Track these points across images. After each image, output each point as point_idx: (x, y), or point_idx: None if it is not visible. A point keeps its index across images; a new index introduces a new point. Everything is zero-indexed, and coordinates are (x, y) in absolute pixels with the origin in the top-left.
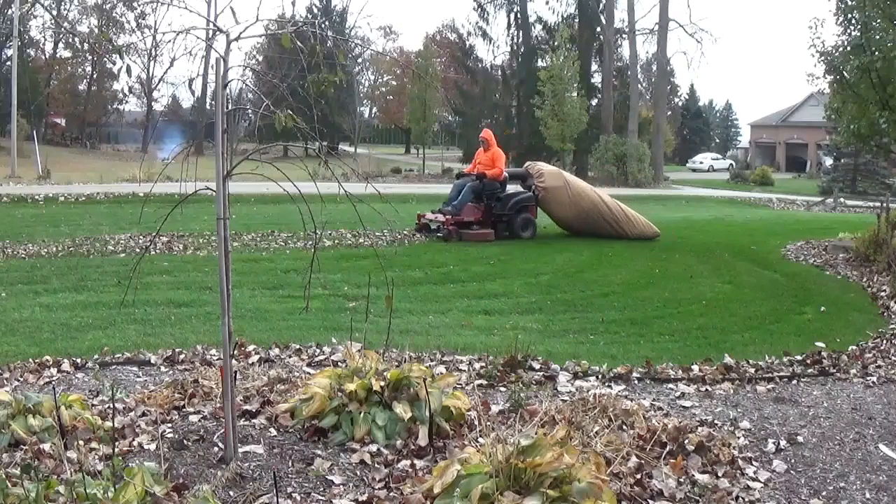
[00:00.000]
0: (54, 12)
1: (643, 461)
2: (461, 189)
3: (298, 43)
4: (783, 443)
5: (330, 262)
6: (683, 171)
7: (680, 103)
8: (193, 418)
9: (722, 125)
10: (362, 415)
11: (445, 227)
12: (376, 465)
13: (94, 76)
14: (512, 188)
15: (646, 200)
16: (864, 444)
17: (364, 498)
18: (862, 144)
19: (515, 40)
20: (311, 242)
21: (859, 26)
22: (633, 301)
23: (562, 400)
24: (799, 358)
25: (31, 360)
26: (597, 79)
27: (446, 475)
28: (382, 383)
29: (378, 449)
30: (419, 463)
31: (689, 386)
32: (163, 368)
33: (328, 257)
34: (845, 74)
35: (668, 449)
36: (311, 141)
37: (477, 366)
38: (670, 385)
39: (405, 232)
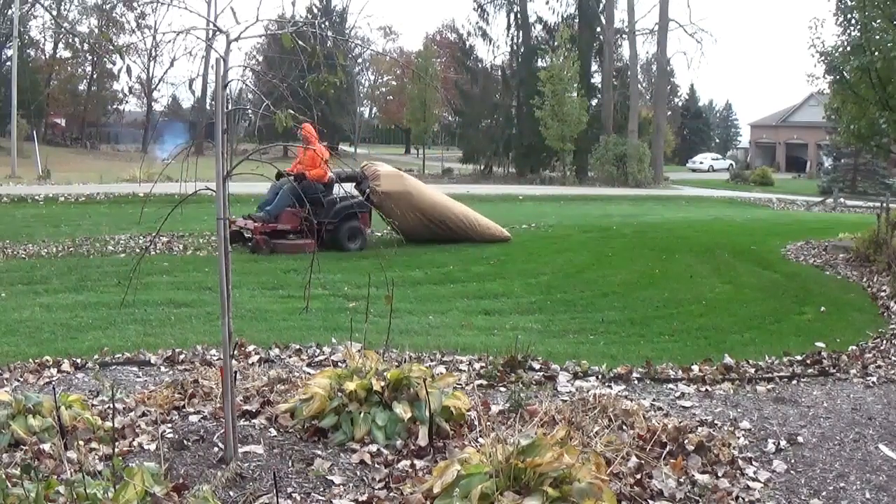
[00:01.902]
0: (54, 12)
1: (643, 461)
2: (278, 192)
3: (298, 43)
4: (783, 443)
5: (330, 262)
6: (683, 172)
7: (680, 103)
8: (193, 418)
9: (722, 125)
10: (362, 415)
11: (254, 237)
12: (376, 466)
13: (94, 76)
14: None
15: (646, 201)
16: (864, 444)
17: (364, 498)
18: (862, 144)
19: (515, 40)
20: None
21: (859, 26)
22: (633, 301)
23: (562, 400)
24: (799, 358)
25: (31, 360)
26: (597, 79)
27: (446, 475)
28: (382, 383)
29: (378, 449)
30: (419, 463)
31: (689, 386)
32: (163, 368)
33: (328, 257)
34: (845, 74)
35: (668, 449)
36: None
37: (477, 366)
38: (670, 385)
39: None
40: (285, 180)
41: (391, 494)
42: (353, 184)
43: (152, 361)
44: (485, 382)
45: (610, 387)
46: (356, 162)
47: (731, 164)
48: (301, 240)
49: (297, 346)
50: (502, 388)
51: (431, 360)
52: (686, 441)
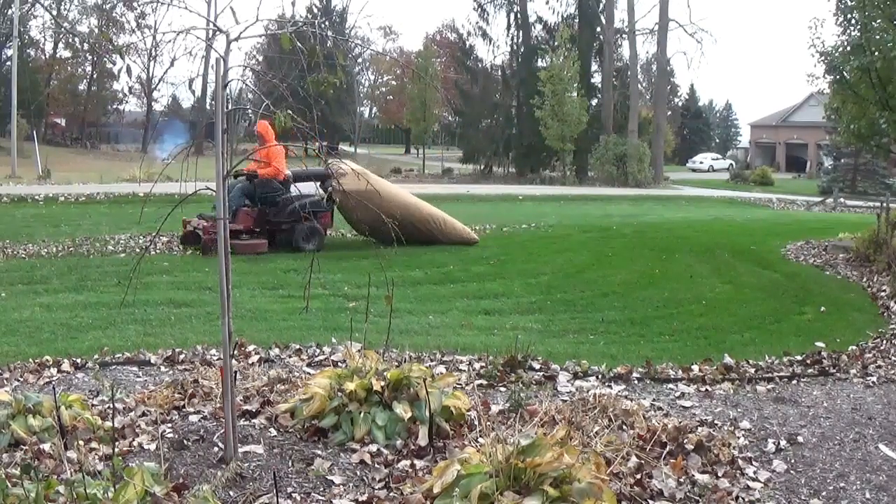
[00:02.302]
0: (54, 12)
1: (643, 461)
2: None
3: (298, 43)
4: (783, 443)
5: (330, 262)
6: (683, 171)
7: (680, 103)
8: (193, 418)
9: (722, 125)
10: (362, 415)
11: (204, 237)
12: (376, 465)
13: (94, 76)
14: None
15: (646, 200)
16: (864, 444)
17: (364, 498)
18: (862, 144)
19: (515, 40)
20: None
21: (859, 26)
22: (633, 301)
23: (562, 400)
24: (799, 358)
25: (31, 360)
26: (597, 79)
27: (446, 475)
28: (382, 383)
29: (378, 449)
30: (419, 463)
31: (689, 386)
32: (163, 368)
33: (328, 257)
34: (845, 74)
35: (668, 449)
36: (311, 141)
37: (477, 366)
38: (670, 385)
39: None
40: (242, 179)
41: (391, 494)
42: (319, 182)
43: (152, 361)
44: (485, 382)
45: (610, 387)
46: (356, 162)
47: (731, 164)
48: (254, 240)
49: (297, 346)
50: (502, 388)
51: (431, 360)
52: (686, 441)
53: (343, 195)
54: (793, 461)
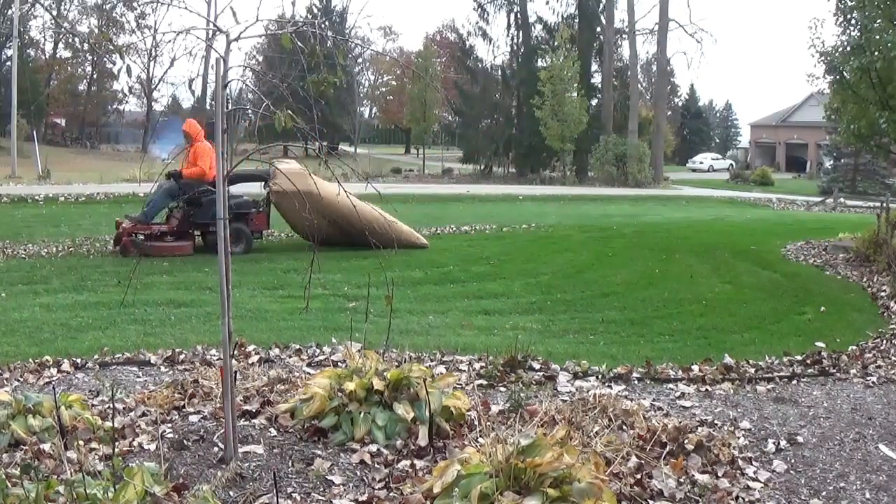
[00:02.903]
0: (54, 12)
1: (643, 461)
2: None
3: (298, 43)
4: (783, 443)
5: (330, 262)
6: (683, 171)
7: (680, 103)
8: (193, 418)
9: (722, 125)
10: (362, 415)
11: (124, 238)
12: (376, 466)
13: (94, 76)
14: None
15: (646, 200)
16: (864, 444)
17: (364, 498)
18: (862, 144)
19: (515, 40)
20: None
21: (859, 26)
22: (633, 301)
23: (562, 400)
24: (799, 358)
25: (31, 360)
26: (597, 79)
27: (446, 475)
28: (382, 383)
29: (378, 449)
30: (419, 463)
31: (689, 386)
32: (163, 368)
33: (328, 257)
34: (845, 74)
35: (668, 449)
36: (311, 141)
37: (477, 366)
38: (670, 385)
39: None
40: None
41: (391, 494)
42: (263, 183)
43: (152, 361)
44: (485, 382)
45: (610, 387)
46: (356, 162)
47: (731, 164)
48: (177, 242)
49: (297, 346)
50: (502, 388)
51: (431, 360)
52: (686, 441)
53: (279, 196)
54: (793, 461)
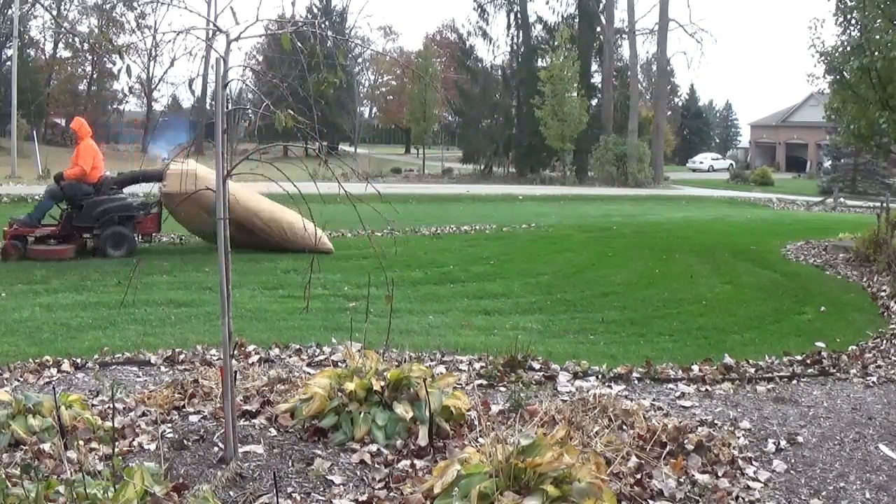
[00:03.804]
0: (54, 12)
1: (643, 461)
2: None
3: (298, 43)
4: (783, 443)
5: (330, 262)
6: (683, 171)
7: (680, 103)
8: (193, 418)
9: (722, 125)
10: (362, 415)
11: (5, 241)
12: (376, 465)
13: (94, 76)
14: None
15: (646, 200)
16: (864, 444)
17: (364, 498)
18: (862, 144)
19: (515, 40)
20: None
21: (859, 26)
22: (633, 301)
23: (562, 400)
24: (799, 358)
25: (31, 360)
26: (597, 79)
27: (446, 475)
28: (382, 383)
29: (378, 449)
30: (419, 463)
31: (689, 386)
32: (163, 368)
33: (328, 257)
34: (845, 74)
35: (668, 449)
36: (311, 141)
37: (477, 366)
38: (670, 385)
39: None
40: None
41: (391, 494)
42: (158, 184)
43: (152, 361)
44: (485, 382)
45: (610, 387)
46: (356, 162)
47: (731, 164)
48: (60, 245)
49: (297, 346)
50: (502, 388)
51: (431, 360)
52: (686, 441)
53: (168, 198)
54: (793, 461)
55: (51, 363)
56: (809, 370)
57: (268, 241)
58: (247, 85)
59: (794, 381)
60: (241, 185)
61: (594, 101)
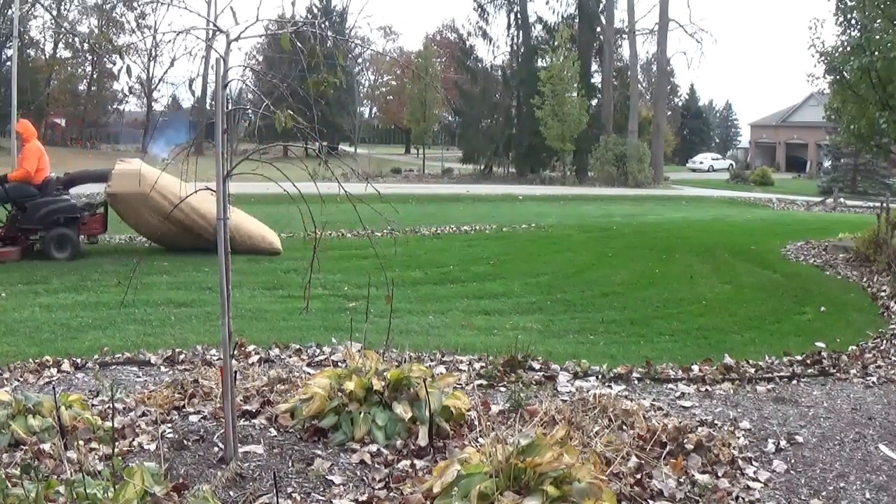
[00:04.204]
0: (54, 12)
1: (643, 461)
2: None
3: (298, 43)
4: (783, 443)
5: (330, 262)
6: (683, 172)
7: (680, 103)
8: (193, 418)
9: (722, 125)
10: (362, 415)
11: None
12: (376, 466)
13: (94, 76)
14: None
15: (646, 201)
16: (864, 444)
17: (364, 498)
18: (862, 144)
19: (515, 40)
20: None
21: (859, 26)
22: (633, 301)
23: (562, 400)
24: (799, 358)
25: (31, 360)
26: (597, 79)
27: (446, 475)
28: (382, 383)
29: (378, 449)
30: (419, 463)
31: (689, 386)
32: (163, 368)
33: (328, 257)
34: (845, 75)
35: (668, 449)
36: (311, 141)
37: (477, 366)
38: (670, 385)
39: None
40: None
41: (391, 494)
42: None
43: (152, 361)
44: (485, 382)
45: (610, 387)
46: (356, 162)
47: (731, 164)
48: (5, 248)
49: (297, 346)
50: (502, 388)
51: (431, 360)
52: (686, 441)
53: (112, 198)
54: (793, 461)
55: (51, 363)
56: (809, 370)
57: (212, 244)
58: (247, 85)
59: (794, 382)
60: (189, 185)
61: (594, 102)
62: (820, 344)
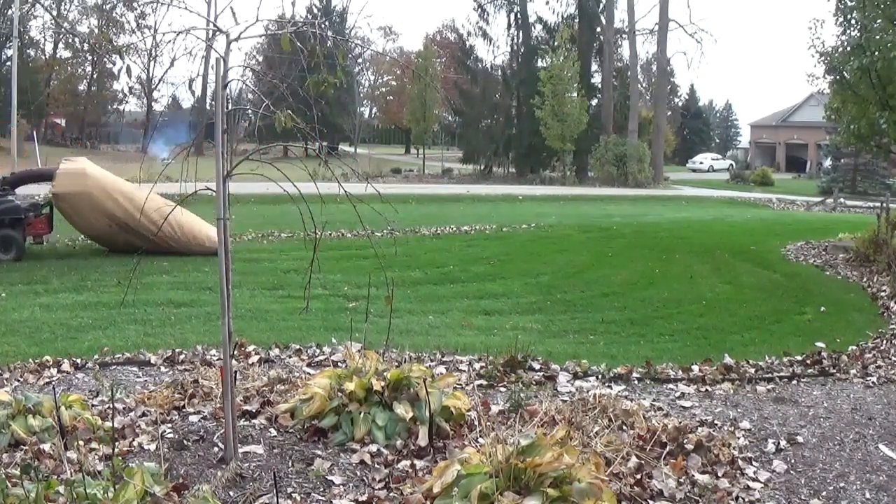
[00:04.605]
0: (54, 12)
1: (643, 461)
2: None
3: (298, 43)
4: (783, 443)
5: (330, 262)
6: (683, 172)
7: (680, 103)
8: (193, 418)
9: (722, 125)
10: (362, 415)
11: None
12: (376, 466)
13: (94, 76)
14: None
15: (646, 201)
16: (864, 444)
17: (364, 498)
18: (862, 144)
19: (515, 40)
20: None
21: (859, 27)
22: (633, 301)
23: (562, 400)
24: (799, 358)
25: (31, 360)
26: (597, 79)
27: (446, 475)
28: (382, 383)
29: (378, 449)
30: (419, 463)
31: (689, 386)
32: (163, 368)
33: (328, 257)
34: (845, 75)
35: (668, 449)
36: (311, 141)
37: (477, 366)
38: (670, 385)
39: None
40: None
41: (391, 494)
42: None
43: (152, 361)
44: (485, 382)
45: (610, 387)
46: (356, 162)
47: (731, 165)
48: None
49: (297, 346)
50: (502, 388)
51: (431, 360)
52: (686, 441)
53: (56, 198)
54: (793, 461)
55: (51, 363)
56: (809, 370)
57: (156, 244)
58: (247, 85)
59: (794, 382)
60: (134, 185)
61: (594, 102)
62: (820, 344)
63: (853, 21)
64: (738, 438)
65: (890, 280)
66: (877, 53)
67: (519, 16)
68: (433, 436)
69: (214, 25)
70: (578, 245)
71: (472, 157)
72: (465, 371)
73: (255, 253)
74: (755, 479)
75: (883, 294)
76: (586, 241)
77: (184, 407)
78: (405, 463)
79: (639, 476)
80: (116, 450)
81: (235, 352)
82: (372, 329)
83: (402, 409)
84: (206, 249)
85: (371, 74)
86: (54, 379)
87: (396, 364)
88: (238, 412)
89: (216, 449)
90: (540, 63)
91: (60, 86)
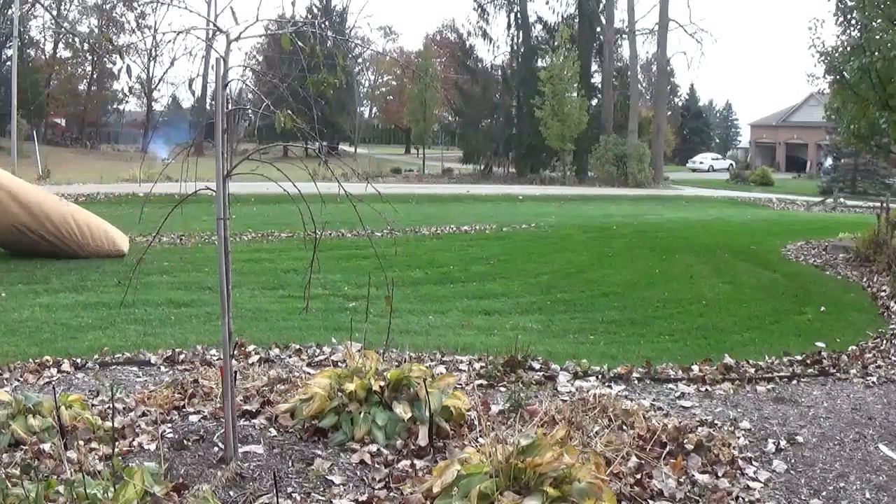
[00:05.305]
0: (54, 12)
1: (643, 461)
2: None
3: (298, 43)
4: (783, 443)
5: (330, 262)
6: (683, 172)
7: (680, 103)
8: (193, 418)
9: (722, 125)
10: (362, 415)
11: None
12: (376, 466)
13: (94, 76)
14: None
15: (646, 200)
16: (864, 444)
17: (364, 498)
18: (862, 144)
19: (515, 40)
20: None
21: (859, 26)
22: (633, 301)
23: (562, 400)
24: (799, 358)
25: (31, 360)
26: (597, 79)
27: (446, 475)
28: (382, 383)
29: (378, 449)
30: (419, 463)
31: (689, 386)
32: (163, 368)
33: (328, 257)
34: (845, 74)
35: (668, 449)
36: (311, 141)
37: (477, 366)
38: (670, 385)
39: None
40: None
41: (391, 494)
42: None
43: (152, 361)
44: (485, 382)
45: (610, 387)
46: (356, 162)
47: (731, 164)
48: None
49: (297, 346)
50: (502, 388)
51: (431, 360)
52: (686, 441)
53: None
54: (793, 461)
55: (51, 363)
56: (809, 370)
57: (57, 248)
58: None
59: (794, 382)
60: (40, 187)
61: (594, 102)
62: (820, 344)
63: (853, 21)
64: (738, 438)
65: (890, 280)
66: (877, 53)
67: (519, 16)
68: (433, 436)
69: (214, 25)
70: (578, 245)
71: (472, 157)
72: (464, 371)
73: (255, 253)
74: (755, 479)
75: (883, 294)
76: (586, 241)
77: (184, 407)
78: (405, 463)
79: (639, 476)
80: (116, 450)
81: (235, 352)
82: (372, 329)
83: (402, 409)
84: (105, 250)
85: (371, 74)
86: (54, 379)
87: (396, 364)
88: (238, 412)
89: (216, 449)
90: (540, 63)
91: (60, 86)
